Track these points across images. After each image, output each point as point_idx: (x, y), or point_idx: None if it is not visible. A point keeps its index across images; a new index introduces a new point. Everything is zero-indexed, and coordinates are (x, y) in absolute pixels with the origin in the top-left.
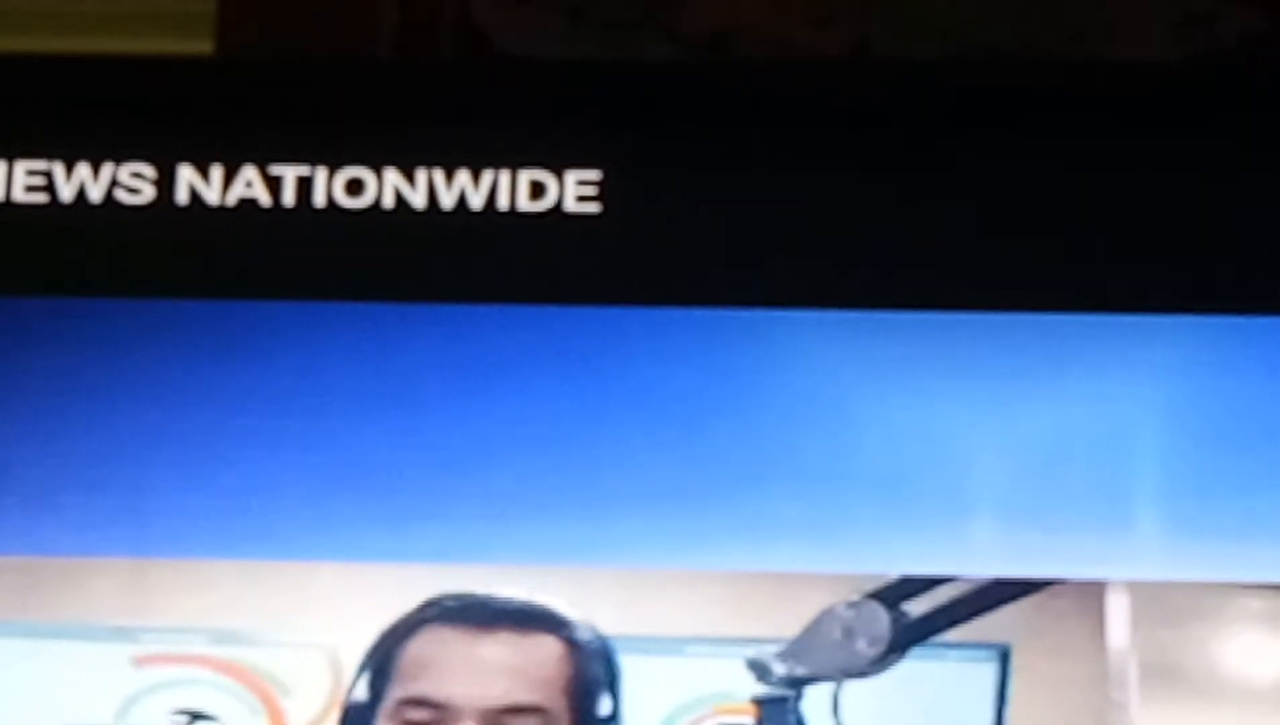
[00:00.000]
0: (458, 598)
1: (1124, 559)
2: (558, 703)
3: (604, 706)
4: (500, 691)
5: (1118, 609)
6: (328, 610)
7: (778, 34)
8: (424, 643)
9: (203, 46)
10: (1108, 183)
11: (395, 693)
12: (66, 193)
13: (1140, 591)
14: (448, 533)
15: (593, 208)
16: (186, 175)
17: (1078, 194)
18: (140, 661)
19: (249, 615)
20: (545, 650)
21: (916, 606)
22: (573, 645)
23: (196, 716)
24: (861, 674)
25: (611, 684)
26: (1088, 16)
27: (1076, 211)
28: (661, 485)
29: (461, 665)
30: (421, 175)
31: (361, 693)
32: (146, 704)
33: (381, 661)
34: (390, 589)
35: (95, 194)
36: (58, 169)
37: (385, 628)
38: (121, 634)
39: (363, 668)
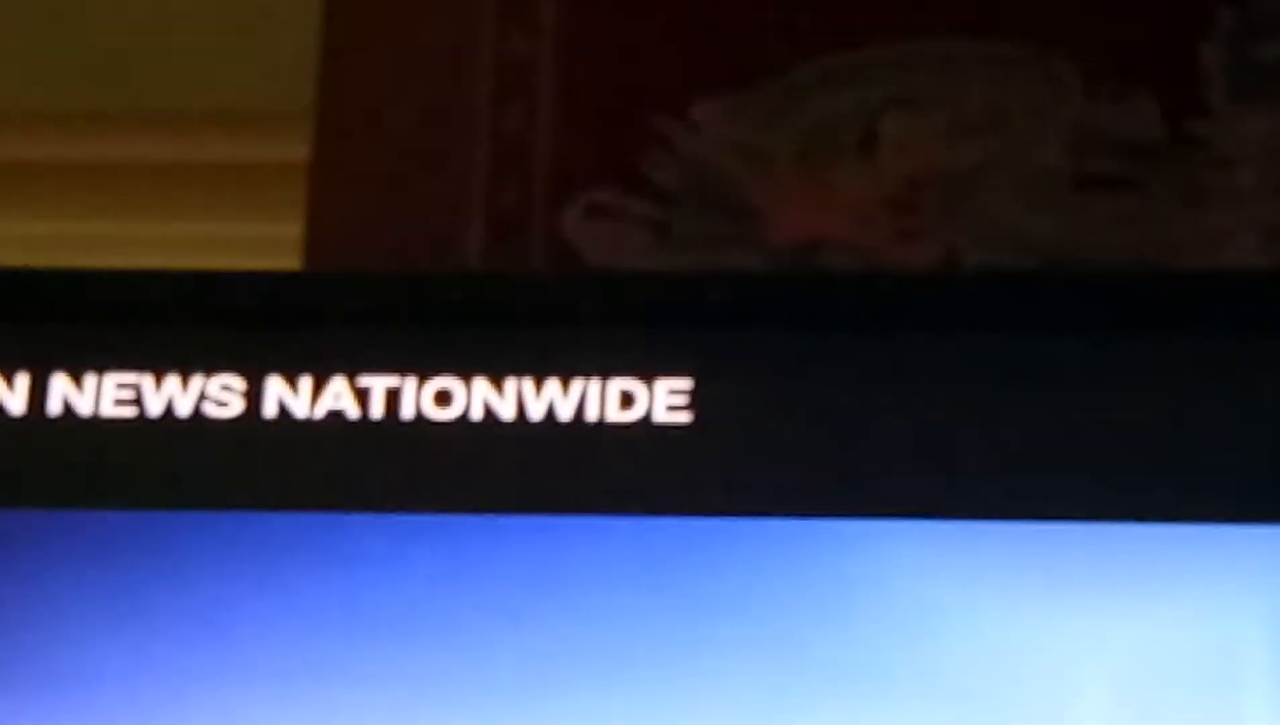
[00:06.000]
0: None
1: None
2: None
3: None
4: None
5: None
6: None
7: (863, 246)
8: None
9: (291, 267)
10: (1209, 392)
11: None
12: (155, 406)
13: None
14: None
15: (684, 417)
16: (275, 387)
17: (1175, 403)
18: None
19: None
20: None
21: None
22: None
23: None
24: None
25: None
26: (1188, 227)
27: (1172, 420)
28: (750, 697)
29: None
30: (510, 385)
31: None
32: None
33: None
34: None
35: (184, 407)
36: (147, 382)
37: None
38: None
39: None
